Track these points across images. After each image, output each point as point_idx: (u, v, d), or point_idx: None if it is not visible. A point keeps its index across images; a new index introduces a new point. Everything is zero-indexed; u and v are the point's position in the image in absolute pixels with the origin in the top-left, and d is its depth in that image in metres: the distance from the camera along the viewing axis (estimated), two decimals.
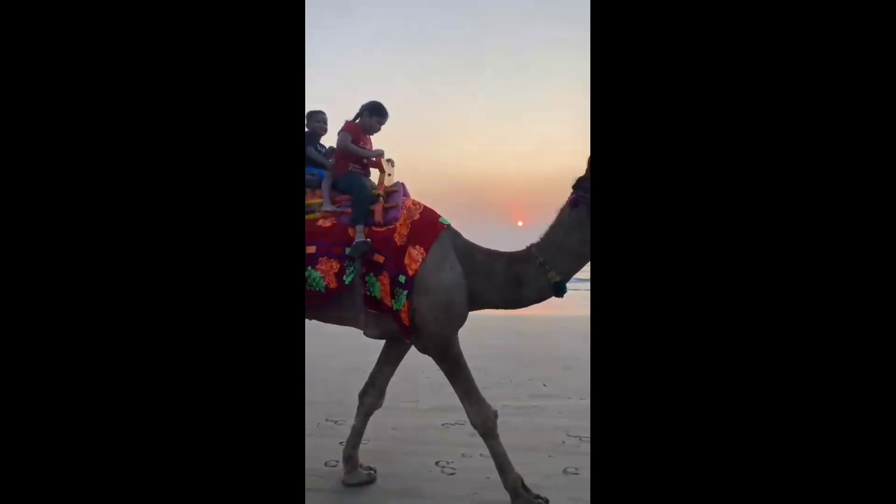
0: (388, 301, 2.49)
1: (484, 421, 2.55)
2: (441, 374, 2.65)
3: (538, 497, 2.58)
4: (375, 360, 3.08)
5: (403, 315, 2.45)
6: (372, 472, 3.05)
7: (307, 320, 2.50)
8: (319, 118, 3.07)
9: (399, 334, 2.62)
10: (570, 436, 3.79)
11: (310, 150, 2.96)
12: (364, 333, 2.72)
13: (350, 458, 2.99)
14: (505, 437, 2.64)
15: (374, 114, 2.83)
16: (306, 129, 3.07)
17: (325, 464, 3.34)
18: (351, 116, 2.94)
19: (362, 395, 3.04)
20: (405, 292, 2.43)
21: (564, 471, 3.17)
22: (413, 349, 2.85)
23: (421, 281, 2.45)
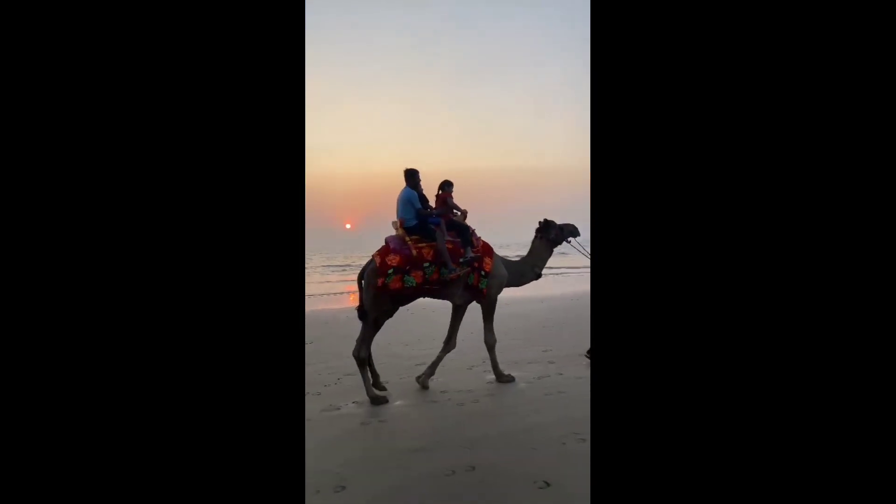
0: (476, 283, 5.43)
1: (492, 340, 5.53)
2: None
3: (510, 375, 5.49)
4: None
5: (485, 290, 5.47)
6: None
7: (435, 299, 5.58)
8: (418, 178, 5.47)
9: (474, 299, 5.61)
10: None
11: (423, 204, 5.51)
12: (454, 302, 5.53)
13: (430, 370, 5.53)
14: None
15: (448, 186, 5.72)
16: (413, 190, 5.44)
17: None
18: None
19: (447, 342, 5.66)
20: (486, 279, 5.45)
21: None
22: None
23: (492, 273, 5.50)
